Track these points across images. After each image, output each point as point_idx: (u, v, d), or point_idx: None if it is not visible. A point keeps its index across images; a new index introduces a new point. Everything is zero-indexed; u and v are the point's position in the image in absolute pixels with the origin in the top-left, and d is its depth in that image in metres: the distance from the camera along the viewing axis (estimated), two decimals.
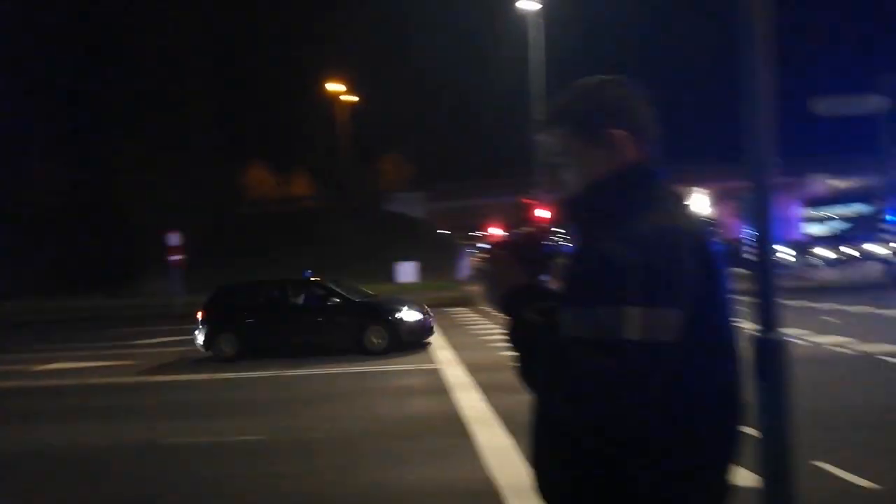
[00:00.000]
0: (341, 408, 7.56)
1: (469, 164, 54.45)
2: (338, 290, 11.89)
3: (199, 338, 11.61)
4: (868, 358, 8.34)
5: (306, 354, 11.03)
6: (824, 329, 10.77)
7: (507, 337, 1.34)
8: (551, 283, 1.42)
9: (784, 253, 31.66)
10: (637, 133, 1.33)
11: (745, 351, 1.54)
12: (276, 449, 5.98)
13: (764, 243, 2.98)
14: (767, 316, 2.94)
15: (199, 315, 11.78)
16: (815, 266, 29.82)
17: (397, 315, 11.28)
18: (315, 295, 12.01)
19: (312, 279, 12.71)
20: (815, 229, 52.75)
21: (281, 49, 58.75)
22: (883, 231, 20.06)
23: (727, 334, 1.29)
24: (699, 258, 1.23)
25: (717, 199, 49.10)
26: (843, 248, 32.23)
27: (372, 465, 5.35)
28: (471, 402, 7.09)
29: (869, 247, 29.18)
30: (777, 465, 2.81)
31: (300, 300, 12.10)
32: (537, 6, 19.96)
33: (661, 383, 1.17)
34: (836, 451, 4.78)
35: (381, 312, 11.45)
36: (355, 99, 47.21)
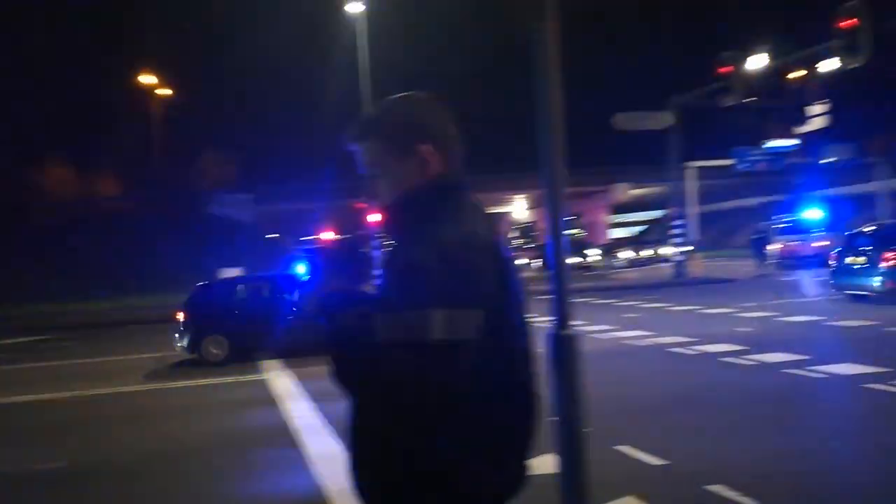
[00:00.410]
0: (166, 425, 7.05)
1: (301, 165, 53.15)
2: None
3: (182, 341, 10.82)
4: (660, 349, 9.37)
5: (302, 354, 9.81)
6: (626, 324, 11.93)
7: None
8: (369, 287, 1.48)
9: (593, 255, 34.77)
10: (442, 147, 1.43)
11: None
12: (84, 477, 5.38)
13: (556, 246, 3.20)
14: (561, 313, 3.16)
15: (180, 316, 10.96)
16: (618, 267, 33.07)
17: None
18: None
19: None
20: (620, 233, 58.52)
21: (84, 35, 53.19)
22: (672, 235, 22.74)
23: (521, 333, 1.43)
24: (495, 263, 1.35)
25: (537, 204, 52.66)
26: (641, 251, 36.08)
27: (199, 484, 5.07)
28: (301, 412, 6.93)
29: (662, 249, 33.02)
30: (572, 450, 3.04)
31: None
32: (362, 7, 20.08)
33: (464, 379, 1.28)
34: (635, 435, 5.29)
35: None
36: (170, 92, 43.88)
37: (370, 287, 1.47)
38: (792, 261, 23.69)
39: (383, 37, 23.75)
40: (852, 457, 4.66)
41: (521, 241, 67.20)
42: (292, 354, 10.15)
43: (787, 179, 35.95)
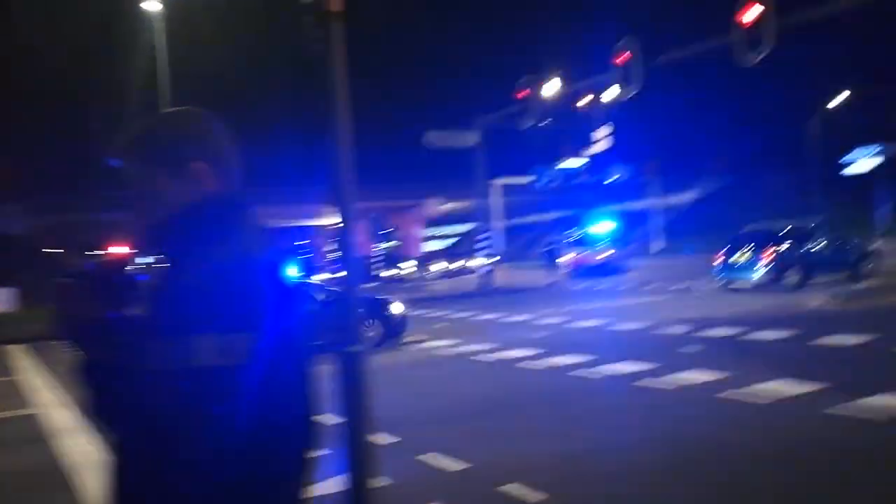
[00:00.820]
0: None
1: (87, 173, 47.83)
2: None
3: None
4: (466, 357, 9.83)
5: None
6: (435, 334, 12.34)
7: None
8: (131, 313, 1.37)
9: (408, 267, 35.57)
10: (218, 165, 1.38)
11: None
12: None
13: (349, 267, 3.23)
14: (348, 329, 3.20)
15: None
16: (431, 278, 34.18)
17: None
18: None
19: None
20: (433, 246, 60.48)
21: None
22: (479, 247, 24.05)
23: (300, 355, 1.41)
24: (271, 283, 1.33)
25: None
26: (453, 262, 37.62)
27: None
28: (79, 448, 6.19)
29: (470, 261, 34.72)
30: (359, 467, 3.08)
31: None
32: (159, 7, 18.77)
33: (236, 405, 1.24)
34: (439, 443, 5.48)
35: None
36: None
37: (132, 311, 1.37)
38: (582, 270, 26.17)
39: (184, 37, 22.34)
40: (630, 448, 5.24)
41: (336, 254, 66.80)
42: None
43: (578, 196, 39.72)
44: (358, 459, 3.08)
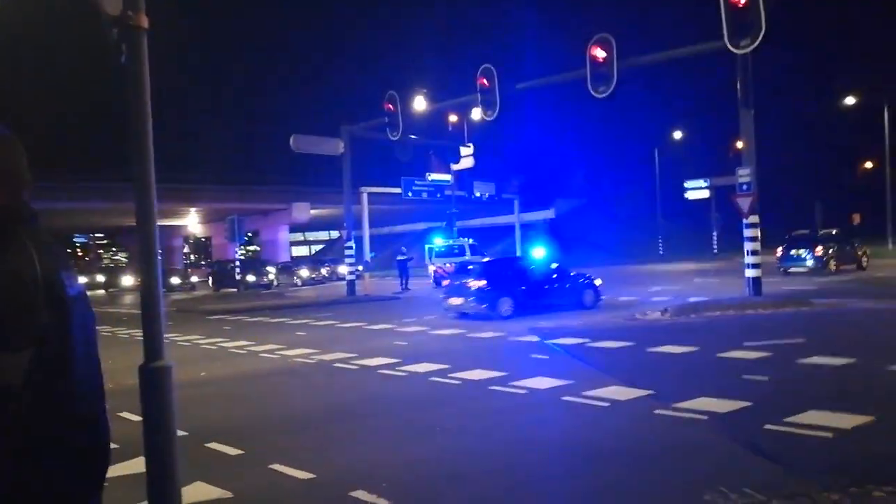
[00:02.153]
0: None
1: None
2: None
3: None
4: (326, 365, 9.73)
5: None
6: (295, 343, 12.10)
7: None
8: None
9: (272, 273, 34.46)
10: (3, 180, 1.35)
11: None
12: None
13: (149, 276, 3.13)
14: (152, 345, 3.12)
15: None
16: (297, 285, 33.35)
17: None
18: None
19: None
20: (299, 251, 59.06)
21: None
22: (346, 255, 23.85)
23: (85, 369, 1.38)
24: (52, 300, 1.30)
25: (209, 220, 50.18)
26: (319, 269, 36.94)
27: None
28: None
29: (338, 268, 34.31)
30: (164, 482, 3.01)
31: None
32: None
33: (14, 423, 1.20)
34: (290, 452, 5.40)
35: None
36: None
37: None
38: (447, 280, 26.74)
39: None
40: (479, 451, 5.45)
41: (194, 257, 63.19)
42: None
43: (445, 208, 40.61)
44: (162, 480, 3.00)
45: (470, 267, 18.80)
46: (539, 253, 21.99)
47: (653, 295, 18.32)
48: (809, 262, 22.97)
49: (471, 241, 29.26)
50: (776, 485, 4.20)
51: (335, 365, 9.67)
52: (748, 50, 13.33)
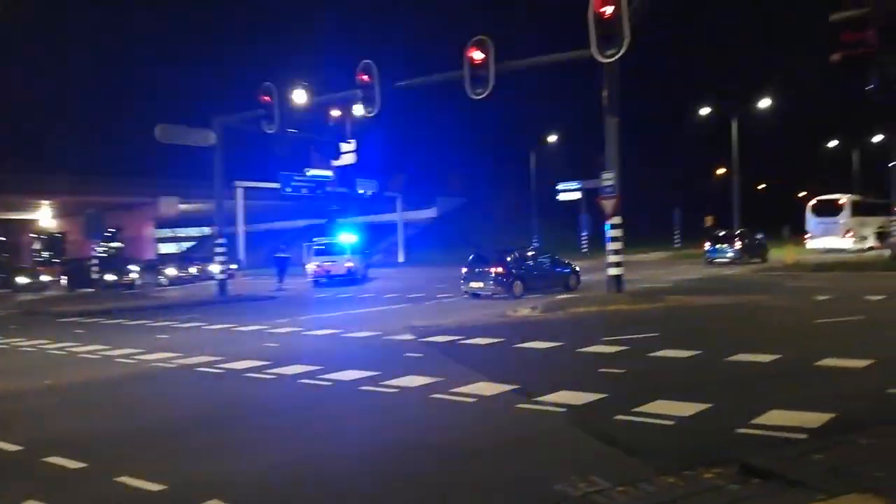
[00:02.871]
0: None
1: None
2: None
3: None
4: (188, 370, 9.22)
5: None
6: (156, 346, 11.36)
7: None
8: None
9: (135, 272, 32.21)
10: None
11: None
12: None
13: None
14: None
15: None
16: (162, 284, 31.41)
17: None
18: None
19: None
20: (167, 249, 55.71)
21: None
22: (217, 252, 22.77)
23: None
24: None
25: (66, 214, 46.10)
26: (188, 268, 34.98)
27: None
28: None
29: (209, 266, 32.65)
30: None
31: None
32: None
33: None
34: (141, 462, 5.05)
35: None
36: None
37: None
38: (325, 279, 26.29)
39: None
40: (349, 455, 5.35)
41: (47, 254, 57.92)
42: None
43: (326, 205, 39.90)
44: None
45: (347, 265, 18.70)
46: (348, 238, 23.32)
47: None
48: (730, 254, 28.04)
49: (353, 238, 28.91)
50: (622, 472, 4.46)
51: (198, 369, 9.18)
52: (613, 59, 14.10)
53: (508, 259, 18.42)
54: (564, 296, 16.71)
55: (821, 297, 14.60)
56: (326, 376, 8.14)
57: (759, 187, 62.27)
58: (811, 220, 35.59)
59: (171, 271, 33.68)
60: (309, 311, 16.68)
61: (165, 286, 31.13)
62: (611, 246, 15.53)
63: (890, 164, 28.16)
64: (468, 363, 8.66)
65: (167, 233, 58.64)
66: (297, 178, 34.25)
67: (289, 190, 33.67)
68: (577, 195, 42.01)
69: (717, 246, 28.91)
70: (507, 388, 7.04)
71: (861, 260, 25.26)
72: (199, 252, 48.61)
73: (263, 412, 6.90)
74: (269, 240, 48.62)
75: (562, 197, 43.07)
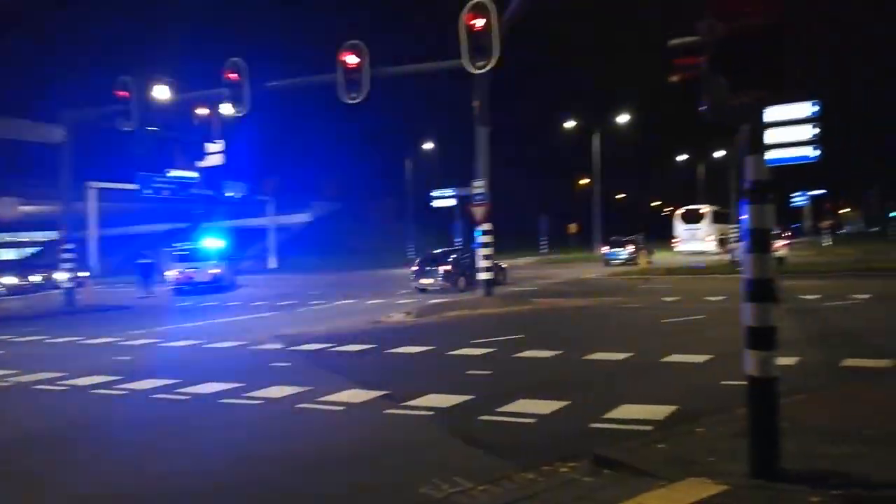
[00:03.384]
0: None
1: None
2: None
3: None
4: (25, 387, 8.35)
5: None
6: None
7: None
8: None
9: None
10: None
11: None
12: None
13: None
14: None
15: None
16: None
17: None
18: None
19: None
20: (6, 255, 50.28)
21: None
22: (64, 259, 20.85)
23: None
24: None
25: None
26: (29, 276, 31.71)
27: None
28: None
29: (54, 274, 29.79)
30: None
31: None
32: None
33: None
34: None
35: None
36: None
37: None
38: (188, 286, 24.87)
39: None
40: (206, 472, 5.04)
41: None
42: None
43: (191, 208, 37.86)
44: None
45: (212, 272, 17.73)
46: (214, 243, 23.66)
47: (399, 298, 19.06)
48: (623, 256, 32.61)
49: (219, 243, 27.55)
50: (485, 471, 4.57)
51: (37, 387, 8.32)
52: (483, 70, 14.52)
53: (453, 259, 21.79)
54: (441, 300, 16.93)
55: (668, 299, 15.86)
56: (184, 390, 7.68)
57: (618, 197, 66.80)
58: (679, 227, 41.29)
59: (9, 280, 30.38)
60: (168, 321, 15.67)
61: (3, 296, 28.03)
62: (481, 251, 15.95)
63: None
64: (338, 371, 8.52)
65: (5, 237, 52.92)
66: (157, 179, 32.20)
67: (149, 192, 31.58)
68: (452, 202, 42.84)
69: (614, 249, 33.63)
70: (376, 394, 7.00)
71: (706, 264, 27.76)
72: (45, 259, 44.24)
73: (110, 431, 6.39)
74: (126, 245, 45.25)
75: (437, 203, 43.73)
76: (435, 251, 23.68)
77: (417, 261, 22.76)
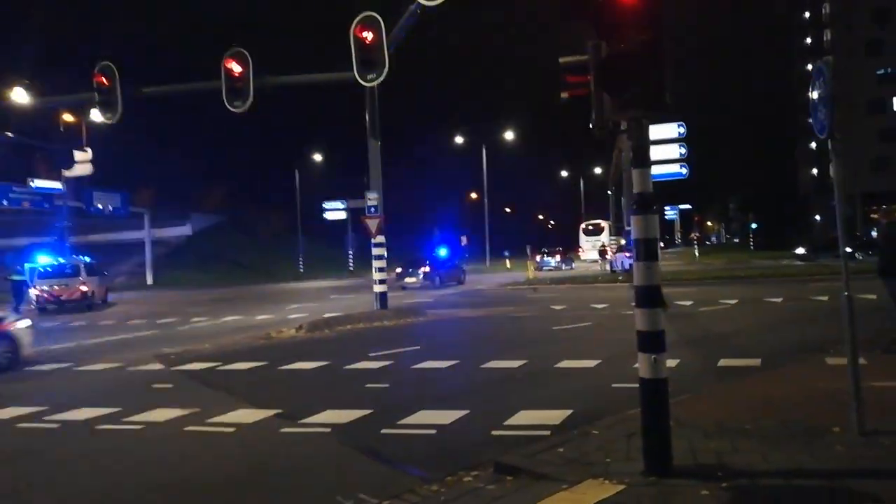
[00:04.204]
0: None
1: None
2: None
3: None
4: None
5: None
6: None
7: None
8: None
9: None
10: None
11: None
12: None
13: None
14: None
15: None
16: None
17: None
18: None
19: None
20: None
21: None
22: None
23: None
24: None
25: None
26: None
27: None
28: None
29: None
30: None
31: None
32: None
33: None
34: None
35: None
36: None
37: None
38: (55, 305, 22.86)
39: None
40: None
41: None
42: None
43: (56, 221, 34.92)
44: None
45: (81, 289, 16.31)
46: (80, 260, 24.38)
47: (290, 313, 18.48)
48: (553, 264, 41.17)
49: (87, 259, 25.51)
50: (389, 485, 4.47)
51: None
52: (374, 84, 14.47)
53: (432, 261, 28.61)
54: (331, 314, 16.57)
55: (557, 307, 16.44)
56: (52, 417, 6.98)
57: (507, 210, 68.84)
58: (582, 238, 50.83)
59: None
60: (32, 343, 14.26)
61: None
62: (376, 264, 15.81)
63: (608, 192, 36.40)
64: (227, 390, 8.09)
65: None
66: (16, 189, 29.60)
67: (5, 203, 28.98)
68: (343, 215, 42.30)
69: (546, 258, 42.08)
70: (270, 412, 6.69)
71: (590, 274, 29.15)
72: None
73: None
74: None
75: (328, 216, 43.02)
76: (415, 257, 29.81)
77: (399, 267, 27.73)
